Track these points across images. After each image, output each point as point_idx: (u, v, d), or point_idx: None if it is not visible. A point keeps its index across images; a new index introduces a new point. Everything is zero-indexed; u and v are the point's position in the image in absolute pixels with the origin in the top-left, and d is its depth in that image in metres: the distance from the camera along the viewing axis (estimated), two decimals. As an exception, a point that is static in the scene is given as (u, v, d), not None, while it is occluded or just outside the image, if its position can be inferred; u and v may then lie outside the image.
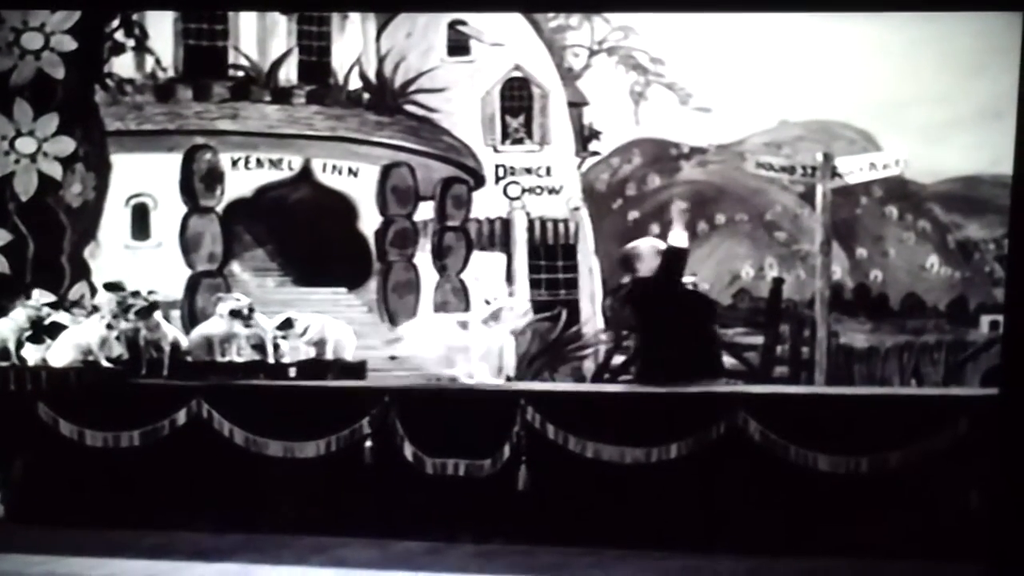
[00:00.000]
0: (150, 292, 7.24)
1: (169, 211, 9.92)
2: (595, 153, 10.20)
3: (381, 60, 10.31)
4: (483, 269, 10.20)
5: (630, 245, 7.08)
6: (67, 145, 9.30)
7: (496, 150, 10.26)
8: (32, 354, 7.24)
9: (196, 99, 10.10)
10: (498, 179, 10.23)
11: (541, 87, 10.25)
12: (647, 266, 6.90)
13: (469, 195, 10.27)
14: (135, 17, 9.80)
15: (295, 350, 7.34)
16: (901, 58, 9.20)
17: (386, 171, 10.26)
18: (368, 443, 6.74)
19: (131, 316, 7.13)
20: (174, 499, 6.90)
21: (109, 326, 7.09)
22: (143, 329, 7.17)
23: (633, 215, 10.17)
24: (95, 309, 7.19)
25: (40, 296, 7.57)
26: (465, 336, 6.93)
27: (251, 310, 7.28)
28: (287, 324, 7.29)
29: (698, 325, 6.95)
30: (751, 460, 6.34)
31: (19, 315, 7.37)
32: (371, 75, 10.31)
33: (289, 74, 10.29)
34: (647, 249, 6.95)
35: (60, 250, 9.33)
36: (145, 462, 6.95)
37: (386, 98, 10.31)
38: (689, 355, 6.79)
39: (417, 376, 7.14)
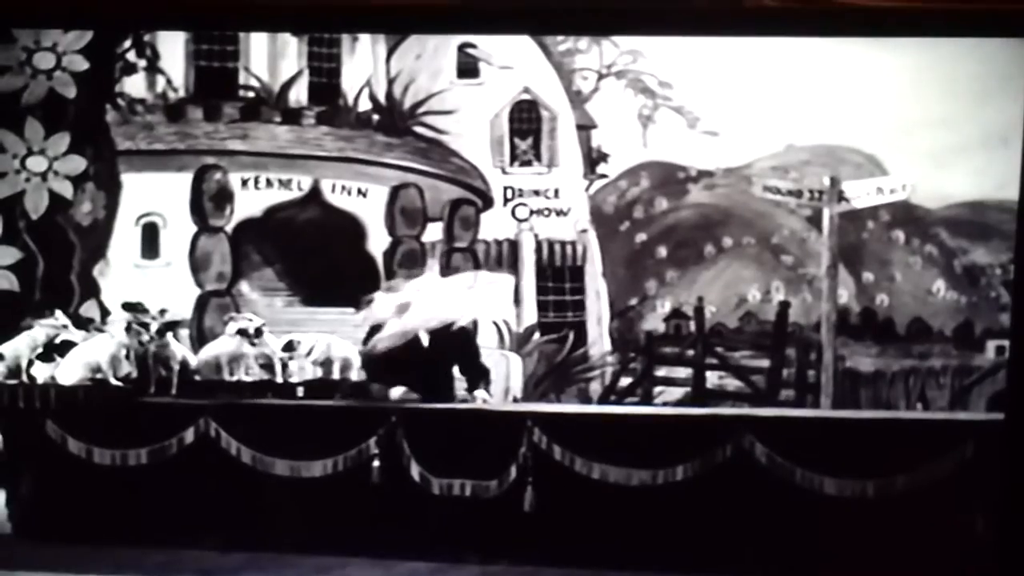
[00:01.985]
0: (161, 311, 7.27)
1: (179, 230, 9.94)
2: (603, 176, 10.20)
3: (391, 82, 10.32)
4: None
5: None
6: (78, 164, 9.35)
7: (504, 172, 10.26)
8: (41, 372, 7.26)
9: (206, 119, 10.12)
10: (506, 201, 10.24)
11: (550, 110, 10.26)
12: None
13: (477, 216, 10.27)
14: (147, 38, 9.83)
15: (303, 370, 7.37)
16: (908, 83, 9.21)
17: (395, 192, 10.28)
18: (375, 463, 6.75)
19: (152, 334, 7.16)
20: (181, 517, 6.92)
21: (127, 342, 7.13)
22: (153, 347, 7.19)
23: (640, 238, 10.17)
24: (129, 327, 7.18)
25: (58, 315, 7.59)
26: None
27: (259, 331, 7.31)
28: (290, 347, 7.33)
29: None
30: (757, 483, 6.35)
31: (38, 333, 7.39)
32: (381, 97, 10.32)
33: (299, 95, 10.31)
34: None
35: (69, 268, 9.36)
36: (152, 480, 6.97)
37: (395, 119, 10.33)
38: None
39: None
